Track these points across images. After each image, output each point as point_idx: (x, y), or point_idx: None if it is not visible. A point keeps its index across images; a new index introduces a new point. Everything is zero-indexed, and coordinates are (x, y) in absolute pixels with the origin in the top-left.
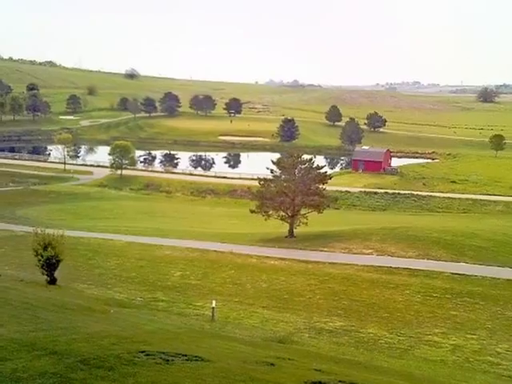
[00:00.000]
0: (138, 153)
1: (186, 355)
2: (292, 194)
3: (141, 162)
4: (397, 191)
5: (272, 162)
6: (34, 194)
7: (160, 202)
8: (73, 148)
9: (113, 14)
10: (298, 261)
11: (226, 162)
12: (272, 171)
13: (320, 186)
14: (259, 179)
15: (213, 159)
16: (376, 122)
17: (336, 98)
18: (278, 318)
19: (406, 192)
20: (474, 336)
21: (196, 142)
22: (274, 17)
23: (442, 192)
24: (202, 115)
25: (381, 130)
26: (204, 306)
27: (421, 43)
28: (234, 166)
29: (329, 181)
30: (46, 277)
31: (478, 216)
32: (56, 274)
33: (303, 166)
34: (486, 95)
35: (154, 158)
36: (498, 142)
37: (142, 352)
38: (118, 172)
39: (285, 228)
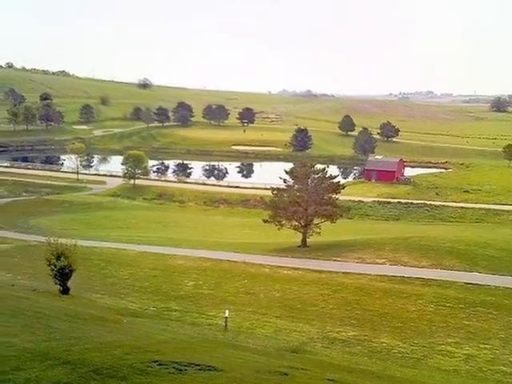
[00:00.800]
0: (151, 162)
1: (198, 365)
2: (305, 204)
3: (154, 172)
4: (410, 201)
5: (285, 171)
6: (46, 204)
7: (173, 212)
8: (86, 158)
9: (126, 23)
10: (311, 270)
11: (239, 172)
12: (285, 181)
13: (333, 196)
14: (272, 189)
15: (226, 169)
16: (389, 131)
17: (349, 108)
18: (291, 327)
19: (419, 202)
20: (487, 346)
21: (209, 151)
22: (287, 27)
23: (455, 202)
24: (215, 125)
25: (394, 139)
26: (217, 316)
27: (434, 53)
28: (247, 176)
29: (342, 190)
30: (58, 286)
31: (491, 226)
32: (69, 283)
33: (316, 176)
34: (499, 105)
35: (166, 167)
36: (511, 152)
37: (155, 362)
38: (131, 182)
39: (298, 238)
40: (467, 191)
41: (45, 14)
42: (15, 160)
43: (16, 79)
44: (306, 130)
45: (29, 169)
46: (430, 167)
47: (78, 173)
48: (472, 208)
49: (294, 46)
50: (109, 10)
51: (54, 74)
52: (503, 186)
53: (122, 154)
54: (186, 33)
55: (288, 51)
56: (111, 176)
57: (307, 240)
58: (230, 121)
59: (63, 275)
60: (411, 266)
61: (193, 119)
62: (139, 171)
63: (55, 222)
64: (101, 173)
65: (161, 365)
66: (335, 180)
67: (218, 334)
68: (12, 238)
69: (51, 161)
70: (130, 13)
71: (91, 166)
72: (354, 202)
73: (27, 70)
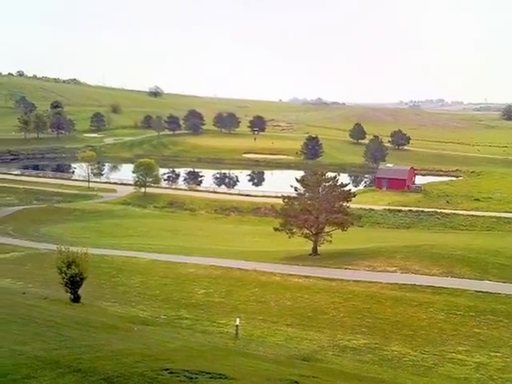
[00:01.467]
0: (162, 170)
1: (209, 373)
2: (316, 212)
3: (164, 180)
4: (421, 209)
5: (296, 179)
6: (57, 212)
7: (184, 220)
8: (96, 166)
9: (137, 32)
10: (321, 279)
11: (249, 180)
12: (296, 189)
13: (344, 204)
14: (283, 197)
15: (237, 177)
16: (400, 139)
17: (360, 116)
18: (302, 335)
19: (430, 210)
20: (497, 354)
21: (220, 159)
22: (298, 35)
23: (465, 210)
24: (225, 133)
25: (405, 147)
26: (228, 324)
27: (445, 61)
28: (257, 184)
29: (353, 199)
30: (69, 294)
31: (502, 234)
32: (80, 291)
33: (327, 184)
34: (510, 113)
35: (177, 175)
36: None
37: (166, 370)
38: (142, 190)
39: (309, 246)
40: (478, 199)
41: (56, 23)
42: (26, 168)
43: (27, 87)
44: (316, 138)
45: (40, 177)
46: (440, 175)
47: (88, 181)
48: (483, 216)
49: (304, 54)
50: (120, 18)
51: (64, 82)
52: None
53: (132, 162)
54: (196, 41)
55: (299, 59)
56: (122, 184)
57: (318, 248)
58: (241, 129)
59: (74, 283)
60: (422, 274)
61: (204, 127)
62: (150, 179)
63: (66, 230)
64: (112, 181)
65: (172, 373)
66: (346, 188)
67: (229, 342)
68: (23, 246)
69: (62, 169)
70: (141, 21)
71: (102, 174)
72: (365, 210)
73: (38, 78)
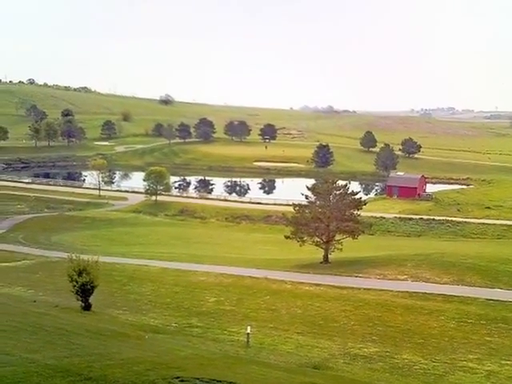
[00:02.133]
0: (173, 179)
1: (220, 381)
2: (327, 220)
3: (175, 188)
4: (431, 217)
5: (307, 187)
6: (68, 220)
7: (195, 228)
8: (107, 174)
9: (147, 40)
10: (332, 287)
11: (260, 188)
12: (307, 197)
13: (355, 212)
14: (294, 205)
15: (248, 185)
16: (411, 147)
17: (370, 124)
18: (313, 343)
19: (441, 218)
20: (508, 362)
21: (231, 167)
22: (308, 43)
23: (476, 218)
24: (236, 141)
25: (415, 155)
26: (239, 332)
27: (456, 69)
28: (268, 192)
29: (363, 207)
30: (80, 303)
31: None
32: (91, 299)
33: (338, 192)
34: None
35: (188, 183)
36: None
37: (177, 378)
38: (153, 198)
39: (319, 254)
40: (489, 207)
41: (67, 31)
42: (37, 176)
43: (38, 95)
44: (327, 146)
45: (50, 185)
46: (451, 183)
47: (99, 189)
48: (494, 224)
49: (315, 62)
50: (131, 27)
51: (75, 90)
52: None
53: (143, 171)
54: (207, 49)
55: (310, 67)
56: (133, 192)
57: (329, 256)
58: (252, 137)
59: (85, 291)
60: (433, 283)
61: (214, 135)
62: (161, 187)
63: (77, 238)
64: (122, 189)
65: (183, 381)
66: (357, 196)
67: (240, 351)
68: (34, 254)
69: (73, 177)
70: (152, 29)
71: (113, 183)
72: (376, 218)
73: (49, 86)
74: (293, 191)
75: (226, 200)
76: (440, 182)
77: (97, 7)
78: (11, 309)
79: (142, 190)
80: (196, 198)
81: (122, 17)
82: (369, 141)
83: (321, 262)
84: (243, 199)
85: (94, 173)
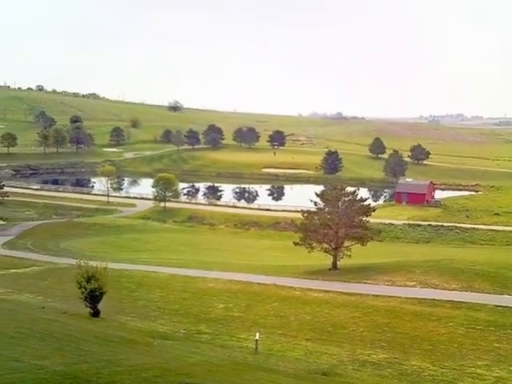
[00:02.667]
0: (182, 185)
1: None
2: (335, 227)
3: (184, 195)
4: (440, 223)
5: (316, 194)
6: (77, 227)
7: (203, 235)
8: (116, 180)
9: (156, 46)
10: (341, 293)
11: (269, 195)
12: (315, 203)
13: (363, 219)
14: (303, 211)
15: (256, 191)
16: (419, 154)
17: (379, 131)
18: (322, 350)
19: (450, 224)
20: None
21: (239, 174)
22: (317, 49)
23: (485, 224)
24: (245, 147)
25: (424, 162)
26: (247, 339)
27: (464, 75)
28: (277, 199)
29: (372, 213)
30: (89, 309)
31: None
32: (99, 306)
33: (347, 199)
34: None
35: (197, 190)
36: None
37: None
38: (162, 204)
39: (328, 260)
40: (497, 214)
41: (75, 38)
42: (45, 183)
43: (46, 102)
44: (336, 152)
45: (59, 191)
46: (460, 190)
47: (108, 195)
48: (502, 230)
49: (324, 68)
50: (139, 33)
51: (84, 96)
52: None
53: (152, 177)
54: (216, 55)
55: (318, 74)
56: (141, 199)
57: (338, 263)
58: (261, 143)
59: (93, 298)
60: (441, 289)
61: (223, 142)
62: (170, 194)
63: (85, 245)
64: (131, 195)
65: None
66: (366, 203)
67: (249, 357)
68: (42, 261)
69: (81, 183)
70: (161, 36)
71: (122, 189)
72: (385, 224)
73: (58, 93)
74: (301, 198)
75: (234, 206)
76: (449, 189)
77: (106, 14)
78: (20, 315)
79: (151, 197)
80: (205, 204)
81: (131, 23)
82: (378, 147)
83: (329, 269)
84: (252, 206)
85: (103, 179)
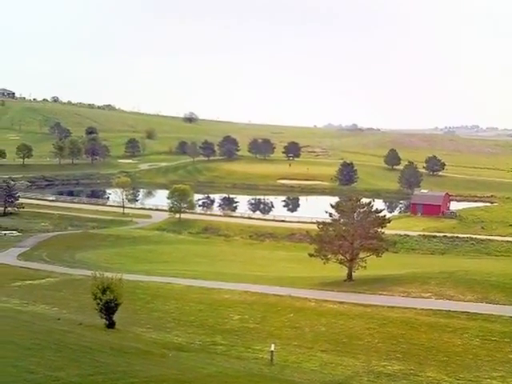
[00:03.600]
0: (197, 196)
1: None
2: (351, 238)
3: (199, 206)
4: (455, 235)
5: (331, 205)
6: (92, 238)
7: (219, 246)
8: (131, 192)
9: (171, 57)
10: (356, 304)
11: (284, 206)
12: (331, 215)
13: (379, 230)
14: (318, 223)
15: (271, 203)
16: (435, 165)
17: (394, 142)
18: (337, 361)
19: (465, 236)
20: None
21: (255, 185)
22: (333, 61)
23: (500, 236)
24: (260, 159)
25: (439, 173)
26: (263, 350)
27: (479, 87)
28: (292, 210)
29: (387, 224)
30: (104, 320)
31: None
32: (115, 317)
33: (362, 210)
34: None
35: (212, 201)
36: None
37: None
38: (177, 216)
39: (343, 272)
40: None
41: (90, 49)
42: (61, 194)
43: (62, 113)
44: (351, 163)
45: (74, 203)
46: (475, 201)
47: (123, 207)
48: None
49: (339, 80)
50: (154, 44)
51: (99, 108)
52: None
53: (167, 188)
54: (231, 67)
55: (334, 85)
56: (157, 210)
57: (353, 274)
58: (276, 155)
59: (109, 309)
60: (457, 300)
61: (238, 153)
62: (185, 205)
63: (101, 256)
64: (146, 207)
65: None
66: (381, 214)
67: (264, 368)
68: (58, 272)
69: (97, 195)
70: (176, 47)
71: (137, 200)
72: (400, 235)
73: (73, 104)
74: (317, 209)
75: (249, 218)
76: (464, 200)
77: (121, 25)
78: (35, 327)
79: (166, 208)
80: (220, 215)
81: (146, 34)
82: (393, 158)
83: (345, 280)
84: (267, 217)
85: (118, 190)
